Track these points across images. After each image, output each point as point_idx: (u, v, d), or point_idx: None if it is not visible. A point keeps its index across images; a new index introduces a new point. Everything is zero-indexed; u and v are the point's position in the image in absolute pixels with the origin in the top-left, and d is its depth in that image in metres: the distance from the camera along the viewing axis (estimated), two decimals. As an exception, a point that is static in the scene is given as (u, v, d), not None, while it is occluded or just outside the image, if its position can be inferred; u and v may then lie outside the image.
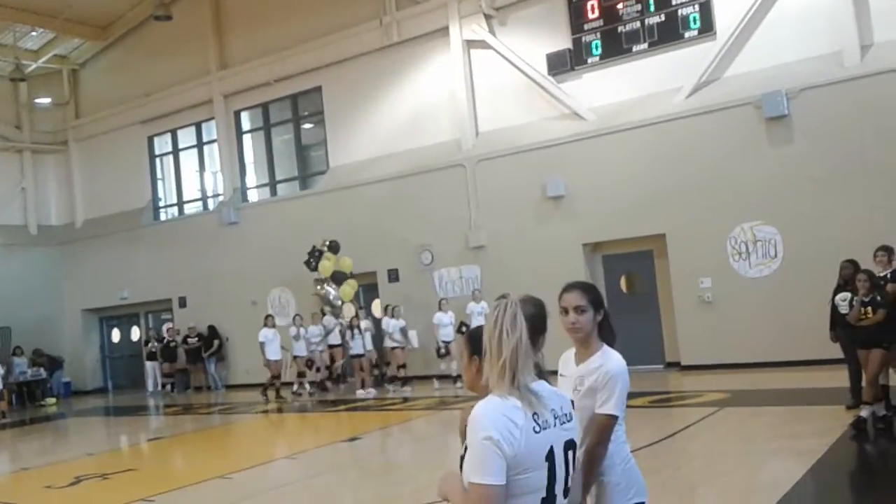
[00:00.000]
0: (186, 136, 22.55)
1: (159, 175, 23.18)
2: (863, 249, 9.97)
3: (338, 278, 17.07)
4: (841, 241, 11.80)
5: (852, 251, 10.21)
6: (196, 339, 20.60)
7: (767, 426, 9.19)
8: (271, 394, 17.03)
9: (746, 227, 13.85)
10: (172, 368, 20.98)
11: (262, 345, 16.91)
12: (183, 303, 21.65)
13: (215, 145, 21.62)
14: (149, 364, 21.37)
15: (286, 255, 19.09)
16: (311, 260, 17.15)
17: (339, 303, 17.12)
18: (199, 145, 22.30)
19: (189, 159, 22.70)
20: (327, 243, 17.20)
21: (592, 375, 3.06)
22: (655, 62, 14.95)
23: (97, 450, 13.12)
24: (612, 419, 3.00)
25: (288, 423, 14.70)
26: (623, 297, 15.57)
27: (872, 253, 9.29)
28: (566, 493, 2.18)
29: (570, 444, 2.18)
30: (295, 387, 17.22)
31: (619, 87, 15.29)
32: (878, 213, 12.37)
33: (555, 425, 2.15)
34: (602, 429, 2.99)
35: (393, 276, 17.85)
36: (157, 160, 23.10)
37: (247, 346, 20.16)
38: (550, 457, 2.10)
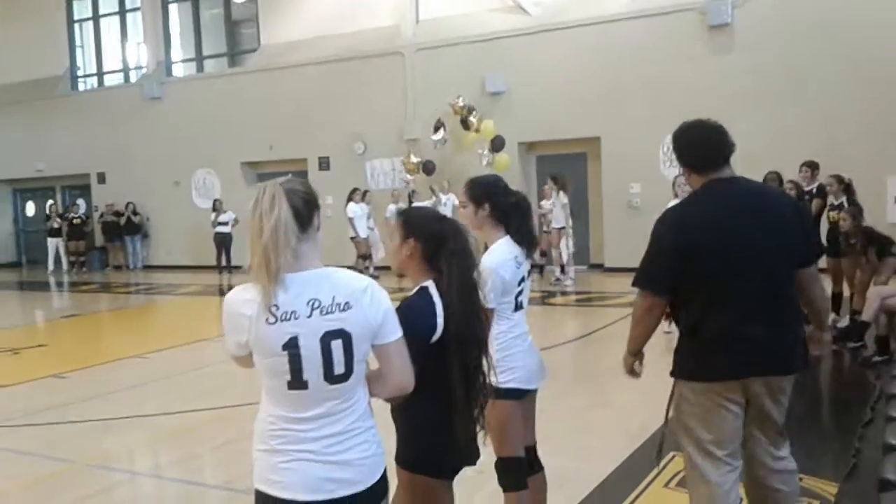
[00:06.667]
0: (108, 1, 21.18)
1: (78, 42, 21.83)
2: (792, 166, 10.11)
3: (497, 145, 15.09)
4: (771, 156, 11.87)
5: (781, 167, 10.33)
6: (114, 216, 19.92)
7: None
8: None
9: (680, 136, 13.89)
10: (79, 247, 20.10)
11: (350, 220, 15.23)
12: (102, 179, 20.82)
13: (139, 14, 20.42)
14: (51, 241, 20.42)
15: (212, 135, 18.43)
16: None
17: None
18: (122, 12, 21.01)
19: (110, 27, 21.39)
20: (465, 107, 15.09)
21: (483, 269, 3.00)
22: (606, -42, 14.56)
23: (7, 324, 12.71)
24: (490, 312, 3.05)
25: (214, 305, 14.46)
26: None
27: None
28: (334, 379, 2.15)
29: (336, 334, 2.13)
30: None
31: (566, -18, 14.88)
32: (810, 130, 12.54)
33: (310, 315, 2.10)
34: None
35: (324, 164, 17.46)
36: (76, 25, 21.69)
37: (169, 226, 19.66)
38: (292, 346, 2.09)
